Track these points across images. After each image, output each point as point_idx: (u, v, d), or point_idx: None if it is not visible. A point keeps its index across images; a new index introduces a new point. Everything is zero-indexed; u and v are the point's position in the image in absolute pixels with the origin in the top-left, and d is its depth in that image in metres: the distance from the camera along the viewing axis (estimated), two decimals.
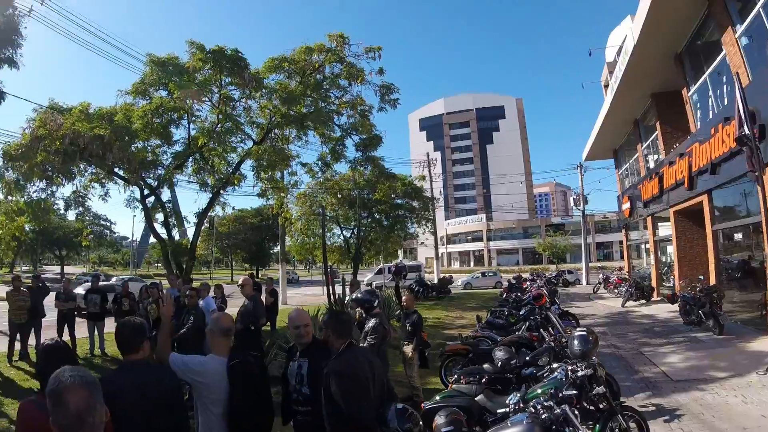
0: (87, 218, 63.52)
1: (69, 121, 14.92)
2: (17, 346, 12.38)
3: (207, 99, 17.50)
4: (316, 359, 4.33)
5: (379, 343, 6.88)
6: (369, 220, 27.16)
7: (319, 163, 21.22)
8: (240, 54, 16.53)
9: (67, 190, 17.68)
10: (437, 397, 6.20)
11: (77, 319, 13.71)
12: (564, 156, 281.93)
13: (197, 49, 16.29)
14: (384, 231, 27.37)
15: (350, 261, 28.27)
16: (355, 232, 27.70)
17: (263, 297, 14.20)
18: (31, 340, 12.69)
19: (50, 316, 13.58)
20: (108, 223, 72.88)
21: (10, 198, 16.35)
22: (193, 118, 18.47)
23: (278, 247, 41.90)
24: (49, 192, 16.51)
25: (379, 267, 45.18)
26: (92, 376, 2.14)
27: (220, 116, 17.20)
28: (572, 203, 47.50)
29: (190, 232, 21.29)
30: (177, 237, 19.56)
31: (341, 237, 29.15)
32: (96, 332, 13.57)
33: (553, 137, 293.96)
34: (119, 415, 2.98)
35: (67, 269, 71.26)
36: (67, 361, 2.65)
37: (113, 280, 33.79)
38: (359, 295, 7.97)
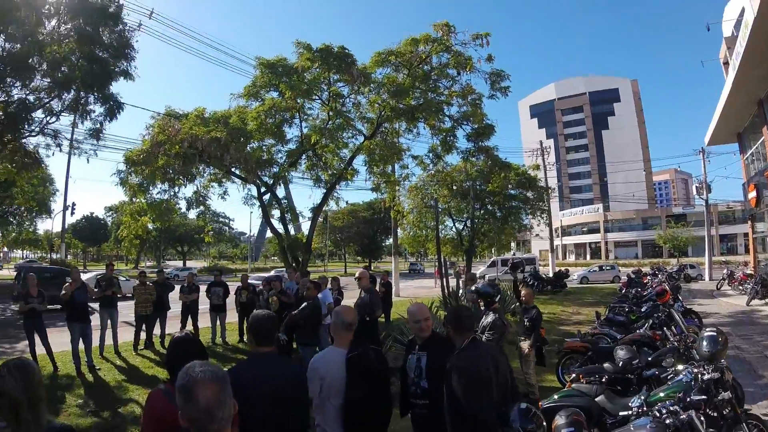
0: (207, 216, 67.42)
1: (186, 126, 15.72)
2: (142, 336, 13.21)
3: (317, 97, 17.84)
4: (434, 353, 4.24)
5: (498, 339, 6.64)
6: (482, 211, 26.66)
7: (430, 155, 20.86)
8: (346, 50, 16.64)
9: (188, 190, 18.66)
10: (555, 396, 5.86)
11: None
12: (684, 141, 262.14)
13: (304, 49, 16.58)
14: (497, 223, 26.78)
15: (463, 253, 27.94)
16: (468, 224, 27.27)
17: (377, 289, 14.32)
18: (156, 330, 13.59)
19: (174, 308, 14.51)
20: (227, 220, 76.67)
21: (134, 200, 17.45)
22: (305, 117, 18.89)
23: (390, 240, 42.16)
24: (171, 193, 17.54)
25: (492, 259, 44.31)
26: (222, 370, 2.13)
27: (331, 113, 17.47)
28: (694, 192, 44.03)
29: (306, 226, 21.75)
30: (293, 232, 20.08)
31: (453, 229, 28.73)
32: (218, 322, 14.22)
33: (671, 121, 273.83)
34: (246, 405, 2.90)
35: (188, 263, 75.75)
36: (195, 354, 2.75)
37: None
38: (479, 287, 7.71)
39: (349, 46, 16.78)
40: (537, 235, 34.60)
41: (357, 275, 10.03)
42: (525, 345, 8.41)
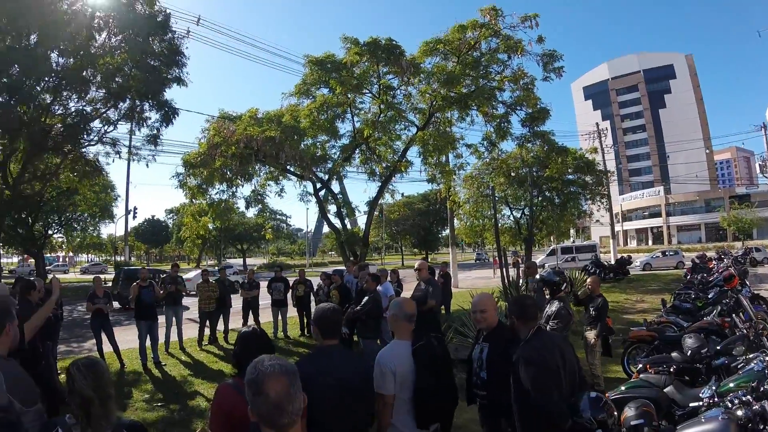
0: (265, 214, 68.74)
1: (241, 127, 15.98)
2: (206, 332, 13.56)
3: (367, 90, 17.83)
4: (496, 344, 4.18)
5: (563, 329, 6.43)
6: (540, 198, 26.09)
7: (485, 143, 20.44)
8: (394, 42, 16.59)
9: (246, 189, 19.06)
10: (623, 388, 5.67)
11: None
12: (744, 117, 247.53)
13: (352, 44, 16.57)
14: (556, 209, 26.15)
15: (521, 242, 27.49)
16: (526, 212, 26.81)
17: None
18: (220, 326, 14.00)
19: (236, 305, 14.88)
20: (284, 217, 77.81)
21: (194, 201, 17.86)
22: (357, 111, 18.96)
23: (446, 231, 41.84)
24: (230, 193, 17.87)
25: (551, 248, 43.28)
26: (291, 364, 2.12)
27: (382, 106, 17.44)
28: (757, 170, 41.72)
29: (362, 221, 21.85)
30: (349, 226, 20.19)
31: (511, 218, 28.29)
32: (280, 317, 14.44)
33: (729, 96, 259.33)
34: (312, 398, 2.78)
35: (248, 261, 77.54)
36: (263, 348, 2.85)
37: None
38: (543, 275, 7.52)
39: (395, 37, 16.51)
40: (597, 221, 33.52)
41: (417, 266, 10.00)
42: (591, 335, 8.25)
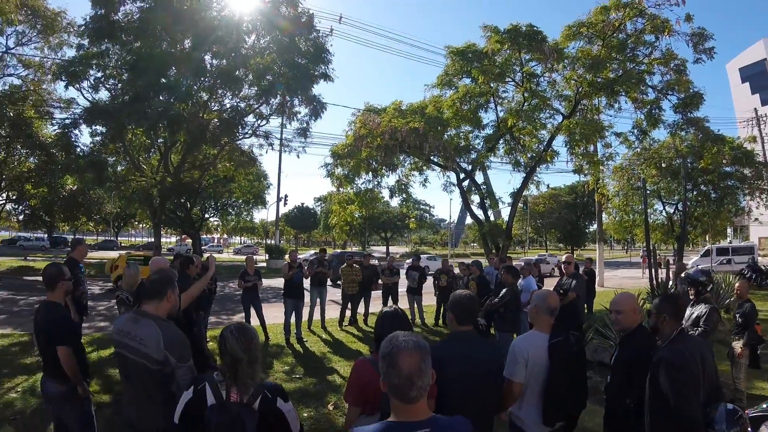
0: (409, 203, 69.98)
1: (385, 119, 16.35)
2: (347, 313, 14.14)
3: (510, 79, 17.52)
4: (625, 348, 3.96)
5: (708, 333, 6.06)
6: (695, 192, 24.17)
7: (635, 131, 19.00)
8: (535, 28, 16.25)
9: (390, 179, 19.53)
10: (764, 405, 5.06)
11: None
12: None
13: (492, 32, 16.41)
14: (712, 205, 24.06)
15: (674, 240, 25.67)
16: (680, 208, 24.96)
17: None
18: (361, 309, 14.50)
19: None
20: (427, 207, 78.64)
21: (341, 190, 18.58)
22: (500, 100, 18.67)
23: (594, 226, 40.07)
24: (375, 183, 18.35)
25: (706, 248, 39.49)
26: (424, 341, 2.20)
27: (526, 94, 17.15)
28: None
29: (506, 212, 21.55)
30: (492, 217, 20.01)
31: (663, 213, 26.41)
32: (415, 304, 14.65)
33: None
34: (444, 379, 3.06)
35: (391, 249, 79.02)
36: (401, 327, 2.96)
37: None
38: (690, 274, 7.09)
39: (535, 22, 16.07)
40: (756, 219, 29.73)
41: (564, 258, 10.01)
42: (738, 345, 7.50)
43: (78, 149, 21.21)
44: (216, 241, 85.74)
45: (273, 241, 43.80)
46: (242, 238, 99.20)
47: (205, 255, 10.28)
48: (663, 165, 23.01)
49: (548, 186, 21.11)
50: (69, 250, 8.14)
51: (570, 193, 65.29)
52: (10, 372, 8.19)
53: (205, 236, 68.00)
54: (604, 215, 30.28)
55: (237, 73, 17.82)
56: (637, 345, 3.78)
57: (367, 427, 2.13)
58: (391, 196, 19.33)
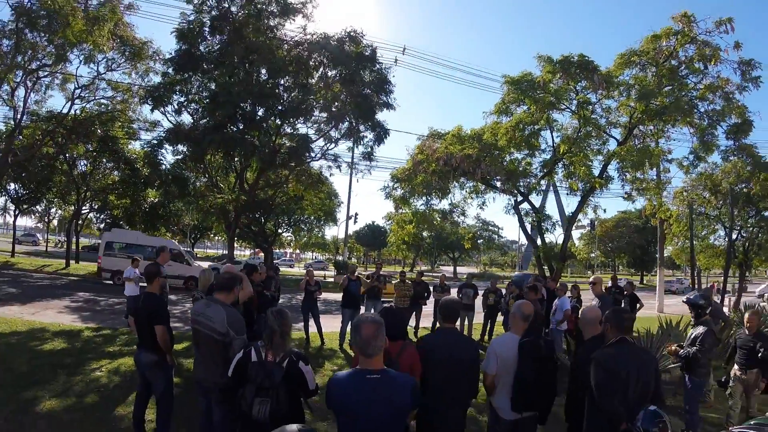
0: (476, 225, 70.15)
1: (443, 145, 17.29)
2: None
3: (566, 106, 18.08)
4: (583, 351, 4.88)
5: (705, 353, 6.76)
6: (756, 218, 23.85)
7: (690, 157, 19.28)
8: (586, 58, 16.85)
9: (444, 203, 20.36)
10: (751, 422, 5.30)
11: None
12: None
13: (545, 62, 17.21)
14: None
15: (736, 266, 25.31)
16: (743, 234, 24.69)
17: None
18: (412, 322, 15.10)
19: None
20: (496, 228, 78.06)
21: (400, 210, 19.56)
22: (556, 125, 19.32)
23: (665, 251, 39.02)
24: (429, 205, 19.24)
25: None
26: (380, 317, 3.31)
27: (580, 122, 17.62)
28: None
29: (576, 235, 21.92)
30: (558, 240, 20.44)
31: (725, 239, 25.71)
32: (467, 321, 15.17)
33: None
34: (429, 363, 4.28)
35: (460, 269, 78.94)
36: (394, 319, 4.22)
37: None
38: (690, 297, 7.63)
39: (590, 51, 16.69)
40: None
41: (591, 279, 10.55)
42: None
43: (162, 166, 23.26)
44: (288, 255, 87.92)
45: (341, 257, 45.28)
46: (314, 253, 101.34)
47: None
48: (719, 190, 22.74)
49: (605, 210, 21.08)
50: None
51: (640, 217, 63.89)
52: (96, 356, 9.96)
53: (278, 251, 70.13)
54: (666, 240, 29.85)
55: (304, 105, 19.07)
56: (590, 349, 4.56)
57: (342, 372, 3.27)
58: (442, 219, 20.15)
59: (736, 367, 7.72)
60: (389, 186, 19.25)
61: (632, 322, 4.67)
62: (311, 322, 13.21)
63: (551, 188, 23.08)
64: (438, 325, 4.63)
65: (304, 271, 16.28)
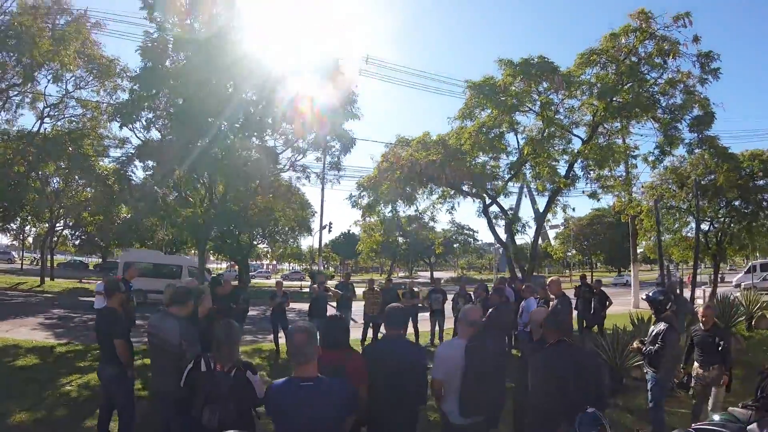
0: (452, 229, 70.39)
1: (407, 152, 17.39)
2: (369, 333, 14.72)
3: (529, 107, 18.26)
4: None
5: (667, 350, 6.64)
6: (726, 208, 23.85)
7: (656, 152, 19.24)
8: (546, 59, 17.04)
9: (410, 210, 20.51)
10: (715, 417, 5.34)
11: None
12: None
13: (506, 66, 17.34)
14: (743, 221, 23.60)
15: (710, 258, 25.59)
16: (715, 225, 24.98)
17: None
18: (383, 330, 15.07)
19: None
20: (471, 232, 78.14)
21: (367, 219, 19.71)
22: (521, 128, 19.53)
23: (641, 247, 39.24)
24: (394, 212, 19.39)
25: (749, 264, 38.57)
26: (311, 326, 3.50)
27: (544, 122, 17.80)
28: None
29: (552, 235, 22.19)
30: (541, 241, 20.61)
31: (692, 231, 25.15)
32: (437, 326, 15.32)
33: None
34: (376, 370, 4.28)
35: (437, 274, 78.76)
36: (337, 327, 4.51)
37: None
38: (649, 294, 7.41)
39: (553, 52, 16.95)
40: None
41: (548, 281, 10.62)
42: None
43: (132, 182, 23.24)
44: (265, 267, 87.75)
45: (317, 267, 45.48)
46: (291, 264, 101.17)
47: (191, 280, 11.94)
48: (686, 183, 22.84)
49: (573, 209, 21.07)
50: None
51: (613, 214, 64.35)
52: (67, 371, 10.17)
53: (254, 263, 69.93)
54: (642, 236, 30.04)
55: (270, 120, 19.16)
56: (536, 351, 4.70)
57: (279, 380, 3.42)
58: (408, 225, 20.34)
59: (696, 365, 7.45)
60: (353, 195, 19.54)
61: (570, 323, 4.75)
62: (281, 333, 13.10)
63: (525, 190, 23.24)
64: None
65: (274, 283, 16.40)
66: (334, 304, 14.83)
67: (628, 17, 17.57)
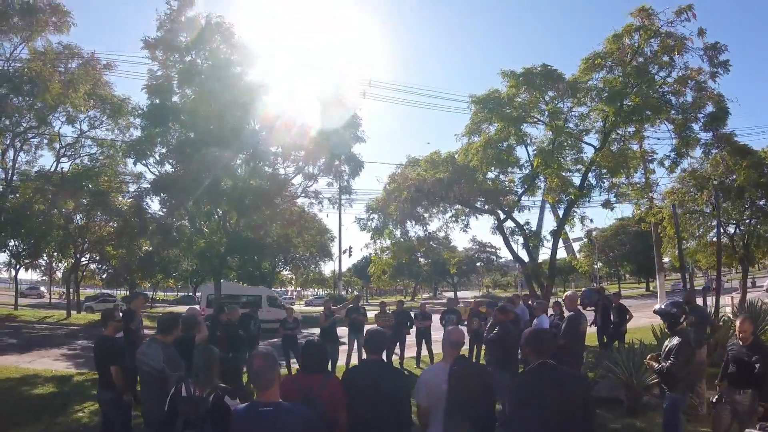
0: (473, 247, 69.84)
1: (414, 172, 17.22)
2: (383, 356, 14.43)
3: (537, 118, 17.93)
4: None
5: (685, 365, 6.18)
6: (752, 209, 22.72)
7: (672, 155, 18.48)
8: (549, 67, 16.70)
9: (432, 226, 20.26)
10: None
11: None
12: None
13: (508, 77, 17.02)
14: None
15: (737, 263, 24.70)
16: (739, 228, 24.02)
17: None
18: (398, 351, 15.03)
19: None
20: (493, 249, 77.28)
21: (378, 242, 19.61)
22: (532, 140, 19.13)
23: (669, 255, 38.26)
24: (404, 233, 19.16)
25: None
26: (270, 351, 3.59)
27: (554, 132, 17.40)
28: None
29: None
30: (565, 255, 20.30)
31: (723, 236, 23.82)
32: None
33: None
34: (352, 397, 4.18)
35: (462, 293, 77.90)
36: (315, 352, 4.39)
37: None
38: (663, 307, 7.06)
39: (559, 58, 16.51)
40: None
41: (565, 296, 10.24)
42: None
43: (149, 216, 23.63)
44: (290, 293, 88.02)
45: (337, 291, 45.51)
46: (315, 289, 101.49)
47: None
48: (705, 186, 21.96)
49: (591, 220, 20.22)
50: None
51: (639, 223, 62.70)
52: (82, 399, 10.53)
53: (279, 289, 70.18)
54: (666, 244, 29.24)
55: (275, 149, 19.34)
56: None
57: (241, 405, 3.54)
58: (419, 247, 20.11)
59: (726, 382, 6.52)
60: (362, 219, 19.52)
61: (553, 344, 4.43)
62: (294, 359, 13.28)
63: (547, 204, 22.69)
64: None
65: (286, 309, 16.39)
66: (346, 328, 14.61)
67: (629, 16, 17.15)
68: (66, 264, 46.83)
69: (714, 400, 6.57)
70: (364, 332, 5.12)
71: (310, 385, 4.07)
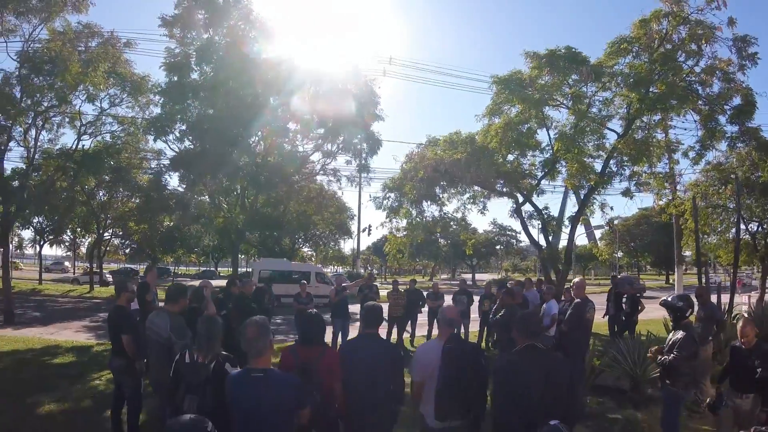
0: (493, 230, 69.60)
1: (433, 151, 17.03)
2: (393, 334, 14.67)
3: (560, 101, 17.57)
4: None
5: (687, 359, 6.05)
6: None
7: (697, 146, 17.89)
8: (573, 50, 16.23)
9: (450, 207, 20.02)
10: None
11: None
12: None
13: (531, 59, 16.59)
14: None
15: (758, 261, 24.15)
16: (762, 225, 23.17)
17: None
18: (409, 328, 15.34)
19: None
20: (514, 233, 76.56)
21: (394, 220, 19.49)
22: (554, 123, 18.76)
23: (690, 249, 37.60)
24: (419, 213, 19.01)
25: None
26: (263, 320, 3.84)
27: (576, 116, 16.97)
28: None
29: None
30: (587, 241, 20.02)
31: (746, 232, 23.54)
32: (462, 329, 14.62)
33: None
34: (348, 370, 4.45)
35: (480, 276, 77.60)
36: (312, 324, 4.59)
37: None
38: (669, 299, 6.78)
39: (585, 42, 16.00)
40: None
41: (572, 283, 9.96)
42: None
43: (168, 191, 23.89)
44: None
45: (355, 270, 45.79)
46: (335, 267, 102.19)
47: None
48: (729, 180, 21.37)
49: (612, 208, 19.68)
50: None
51: (661, 214, 61.60)
52: (99, 368, 10.84)
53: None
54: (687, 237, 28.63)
55: (289, 125, 19.29)
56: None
57: (236, 371, 3.84)
58: (433, 227, 19.95)
59: (727, 383, 6.60)
60: (377, 197, 19.37)
61: (540, 327, 4.43)
62: None
63: (570, 190, 22.29)
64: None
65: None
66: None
67: (658, 1, 16.46)
68: (90, 239, 48.01)
69: (708, 402, 6.60)
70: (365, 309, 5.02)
71: (308, 357, 4.29)
